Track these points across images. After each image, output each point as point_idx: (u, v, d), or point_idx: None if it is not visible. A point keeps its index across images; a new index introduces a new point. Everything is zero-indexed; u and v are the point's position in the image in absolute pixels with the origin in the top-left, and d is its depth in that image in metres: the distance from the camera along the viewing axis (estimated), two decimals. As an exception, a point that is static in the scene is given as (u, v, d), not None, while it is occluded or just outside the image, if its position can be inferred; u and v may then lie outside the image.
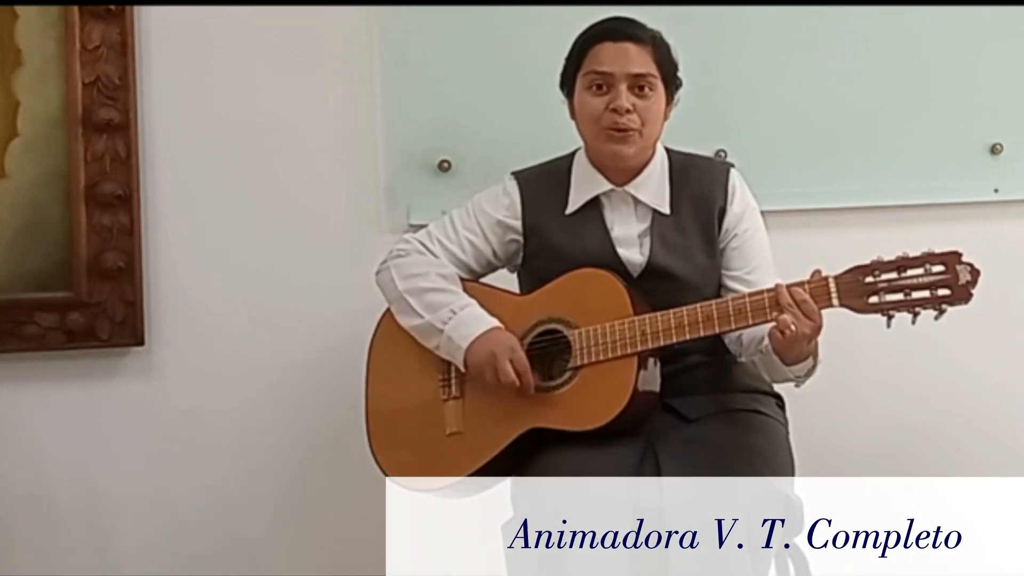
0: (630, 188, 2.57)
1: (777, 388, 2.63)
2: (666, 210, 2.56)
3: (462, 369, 2.52)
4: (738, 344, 2.52)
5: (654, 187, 2.57)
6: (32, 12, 2.92)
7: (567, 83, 2.58)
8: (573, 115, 2.58)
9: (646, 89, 2.50)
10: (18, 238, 2.95)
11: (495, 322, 2.52)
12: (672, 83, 2.55)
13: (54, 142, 2.94)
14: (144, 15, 2.98)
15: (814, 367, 2.41)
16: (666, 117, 2.56)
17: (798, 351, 2.34)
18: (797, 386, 2.45)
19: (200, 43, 3.00)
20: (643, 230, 2.57)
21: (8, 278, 2.95)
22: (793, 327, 2.27)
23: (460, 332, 2.51)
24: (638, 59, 2.49)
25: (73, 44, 2.92)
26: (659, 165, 2.59)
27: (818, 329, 2.30)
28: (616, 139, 2.50)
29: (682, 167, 2.60)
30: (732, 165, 2.66)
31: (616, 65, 2.49)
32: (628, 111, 2.48)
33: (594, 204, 2.59)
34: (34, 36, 2.93)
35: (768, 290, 2.36)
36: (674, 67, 2.55)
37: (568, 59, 2.57)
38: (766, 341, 2.37)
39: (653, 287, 2.51)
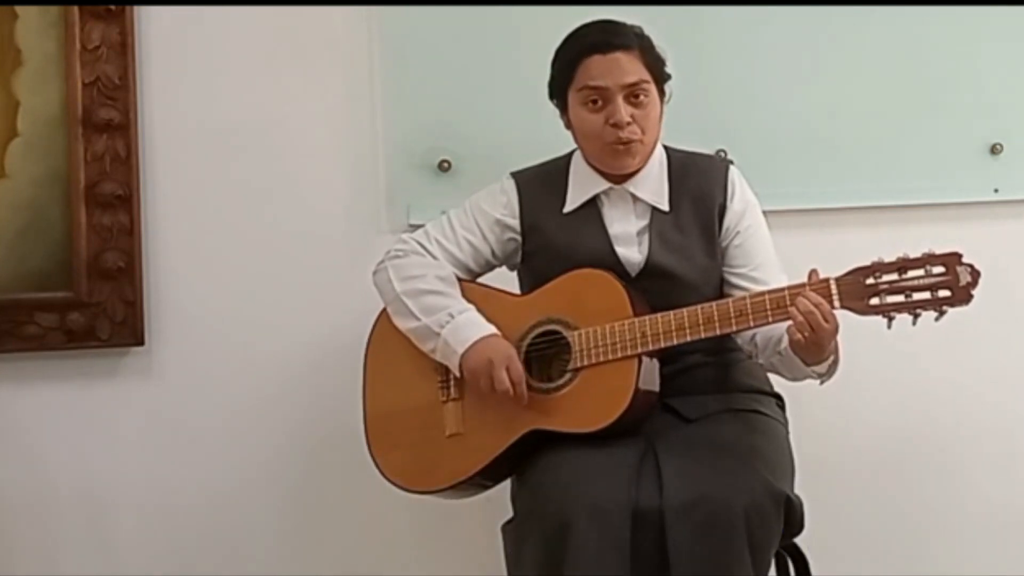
0: (628, 186, 2.57)
1: (777, 388, 2.64)
2: (665, 207, 2.56)
3: (456, 374, 2.52)
4: (752, 345, 2.52)
5: (653, 185, 2.58)
6: (32, 12, 2.92)
7: (558, 95, 2.58)
8: (568, 126, 2.58)
9: (641, 96, 2.50)
10: (18, 238, 2.95)
11: (493, 329, 2.52)
12: (663, 81, 2.55)
13: (54, 142, 2.94)
14: (144, 15, 2.97)
15: (835, 362, 2.42)
16: (662, 114, 2.56)
17: (819, 353, 2.35)
18: (821, 383, 2.46)
19: (200, 43, 3.00)
20: (642, 228, 2.57)
21: (8, 278, 2.94)
22: (809, 332, 2.28)
23: (457, 336, 2.50)
24: (629, 68, 2.49)
25: (73, 44, 2.91)
26: (658, 163, 2.59)
27: (836, 330, 2.31)
28: (621, 153, 2.51)
29: (681, 165, 2.60)
30: (731, 162, 2.66)
31: (610, 78, 2.48)
32: (629, 123, 2.48)
33: (592, 202, 2.59)
34: (34, 36, 2.92)
35: (770, 291, 2.37)
36: (662, 64, 2.55)
37: (557, 72, 2.56)
38: (784, 343, 2.39)
39: (652, 286, 2.52)
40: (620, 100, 2.48)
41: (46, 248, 2.96)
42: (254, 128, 3.01)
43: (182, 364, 3.03)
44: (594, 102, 2.50)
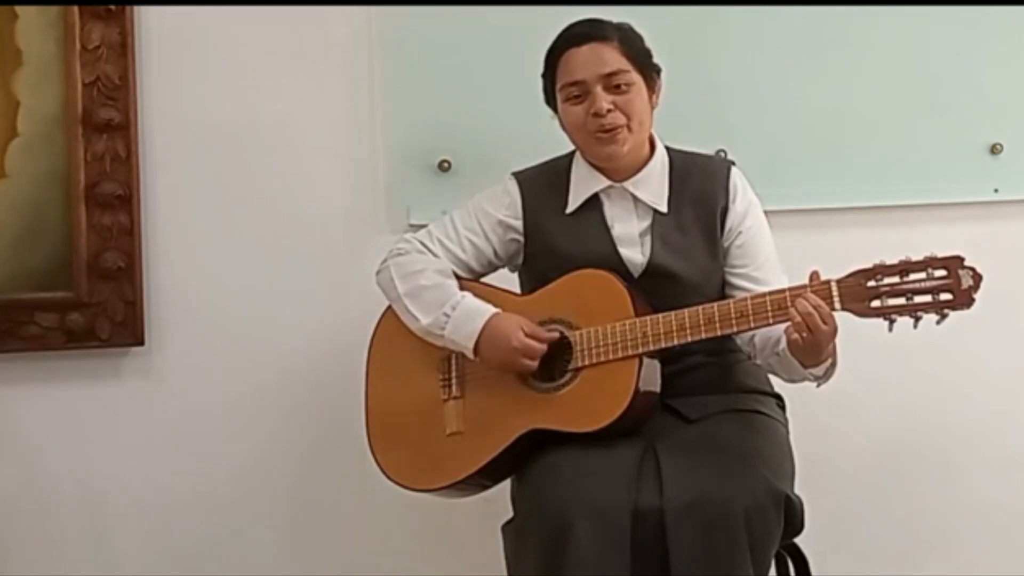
0: (628, 185, 2.57)
1: (778, 389, 2.64)
2: (663, 209, 2.56)
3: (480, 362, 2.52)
4: (751, 345, 2.52)
5: (653, 185, 2.57)
6: (32, 12, 2.92)
7: (550, 99, 2.58)
8: (564, 128, 2.58)
9: (622, 85, 2.49)
10: (18, 238, 2.94)
11: (490, 310, 2.52)
12: (649, 72, 2.54)
13: (54, 142, 2.94)
14: (144, 15, 2.97)
15: (832, 365, 2.42)
16: (653, 106, 2.56)
17: (817, 355, 2.35)
18: (818, 386, 2.46)
19: (200, 43, 3.00)
20: (644, 229, 2.57)
21: (8, 278, 2.94)
22: (807, 333, 2.28)
23: (462, 332, 2.51)
24: (607, 58, 2.49)
25: (73, 44, 2.91)
26: (659, 163, 2.59)
27: (834, 332, 2.31)
28: (606, 141, 2.51)
29: (682, 166, 2.60)
30: (733, 163, 2.66)
31: (586, 70, 2.49)
32: (610, 111, 2.48)
33: (594, 203, 2.59)
34: (34, 36, 2.92)
35: (771, 292, 2.37)
36: (647, 55, 2.54)
37: (544, 76, 2.58)
38: (782, 344, 2.39)
39: (654, 287, 2.52)
40: (599, 90, 2.48)
41: (46, 248, 2.95)
42: (254, 128, 3.01)
43: (182, 364, 3.03)
44: (576, 96, 2.51)
